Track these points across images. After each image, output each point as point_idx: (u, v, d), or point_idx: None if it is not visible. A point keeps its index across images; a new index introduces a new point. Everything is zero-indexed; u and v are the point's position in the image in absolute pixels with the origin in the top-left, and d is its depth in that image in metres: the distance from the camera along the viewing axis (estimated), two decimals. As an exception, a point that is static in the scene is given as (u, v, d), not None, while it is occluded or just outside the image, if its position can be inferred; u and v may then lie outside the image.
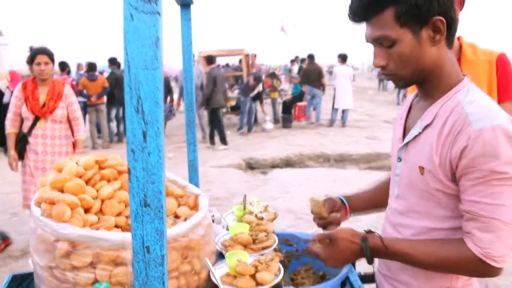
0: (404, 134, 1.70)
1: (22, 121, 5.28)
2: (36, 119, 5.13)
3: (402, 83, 1.59)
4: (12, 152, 5.24)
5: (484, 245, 1.41)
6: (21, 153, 5.25)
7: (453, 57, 1.59)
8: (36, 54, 5.06)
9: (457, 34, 2.54)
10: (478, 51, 2.58)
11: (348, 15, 1.56)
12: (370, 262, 1.61)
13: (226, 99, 13.93)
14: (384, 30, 1.47)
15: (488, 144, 1.37)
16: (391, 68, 1.54)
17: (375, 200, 2.08)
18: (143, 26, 0.85)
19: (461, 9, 2.49)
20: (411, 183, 1.63)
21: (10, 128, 5.26)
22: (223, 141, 12.65)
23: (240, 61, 19.97)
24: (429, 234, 1.60)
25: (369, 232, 1.64)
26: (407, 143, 1.64)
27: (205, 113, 13.70)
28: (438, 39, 1.48)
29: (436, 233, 1.59)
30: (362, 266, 2.06)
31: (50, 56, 5.14)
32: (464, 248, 1.45)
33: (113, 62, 14.09)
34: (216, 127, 12.77)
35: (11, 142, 5.26)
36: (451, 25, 1.49)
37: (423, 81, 1.58)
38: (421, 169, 1.55)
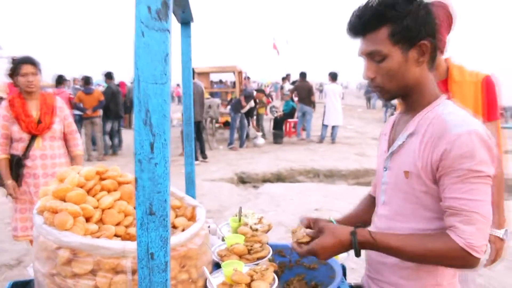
0: (389, 147, 1.84)
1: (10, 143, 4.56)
2: (33, 138, 4.45)
3: (387, 96, 1.74)
4: (10, 181, 4.47)
5: (467, 236, 1.52)
6: (18, 179, 4.50)
7: (433, 77, 1.75)
8: (21, 64, 4.39)
9: (446, 56, 2.65)
10: (465, 73, 2.68)
11: (347, 30, 1.73)
12: (358, 254, 1.66)
13: (205, 112, 14.02)
14: (377, 46, 1.64)
15: (464, 146, 1.52)
16: (378, 81, 1.69)
17: (361, 218, 2.16)
18: (153, 43, 0.89)
19: (449, 32, 2.59)
20: (396, 187, 1.76)
21: (2, 153, 4.46)
22: (202, 155, 12.70)
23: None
24: None
25: (357, 226, 1.70)
26: (392, 153, 1.79)
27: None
28: (422, 60, 1.66)
29: None
30: (351, 277, 2.12)
31: (37, 65, 4.47)
32: (449, 240, 1.55)
33: (109, 76, 14.20)
34: (199, 141, 12.76)
35: (5, 170, 4.47)
36: (434, 50, 1.67)
37: (406, 96, 1.74)
38: (406, 173, 1.69)
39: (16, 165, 4.47)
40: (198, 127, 12.63)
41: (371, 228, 1.92)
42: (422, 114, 1.70)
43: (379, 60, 1.65)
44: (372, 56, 1.67)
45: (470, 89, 2.63)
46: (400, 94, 1.73)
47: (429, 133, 1.63)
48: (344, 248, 1.67)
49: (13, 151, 4.49)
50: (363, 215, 2.14)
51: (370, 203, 2.14)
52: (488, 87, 2.64)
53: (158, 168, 0.93)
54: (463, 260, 1.54)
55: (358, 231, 1.65)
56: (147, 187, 0.94)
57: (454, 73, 2.65)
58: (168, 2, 0.89)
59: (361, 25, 1.66)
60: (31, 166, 4.47)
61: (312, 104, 16.60)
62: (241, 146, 15.24)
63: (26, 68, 4.37)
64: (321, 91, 20.79)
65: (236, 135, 15.38)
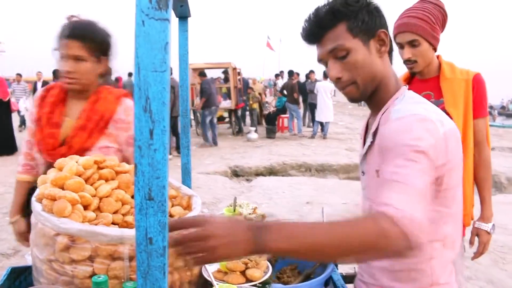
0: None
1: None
2: (50, 167, 2.08)
3: (358, 93, 1.66)
4: (16, 217, 2.67)
5: (389, 200, 1.31)
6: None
7: (394, 71, 1.73)
8: (62, 37, 2.40)
9: (437, 53, 2.70)
10: (456, 70, 2.73)
11: (304, 37, 1.68)
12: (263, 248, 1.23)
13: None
14: (339, 41, 1.59)
15: (402, 124, 1.48)
16: (346, 78, 1.63)
17: None
18: (153, 32, 0.90)
19: (442, 30, 2.65)
20: (374, 190, 1.63)
21: (22, 171, 2.69)
22: (177, 150, 12.57)
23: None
24: None
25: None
26: (365, 156, 1.75)
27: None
28: (383, 50, 1.64)
29: None
30: (342, 267, 2.17)
31: (89, 41, 2.39)
32: (367, 217, 1.38)
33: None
34: (176, 135, 12.79)
35: (17, 199, 2.67)
36: (391, 41, 1.67)
37: (372, 93, 1.68)
38: (377, 172, 1.62)
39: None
40: (175, 122, 12.61)
41: None
42: (383, 110, 1.67)
43: (343, 56, 1.60)
44: (335, 54, 1.62)
45: (461, 86, 2.68)
46: (369, 90, 1.66)
47: (383, 126, 1.61)
48: (242, 231, 1.23)
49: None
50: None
51: None
52: (478, 85, 2.70)
53: (157, 154, 0.95)
54: (394, 236, 1.24)
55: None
56: (146, 173, 0.95)
57: (445, 70, 2.70)
58: (168, -8, 0.91)
59: (317, 25, 1.62)
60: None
61: (296, 101, 16.79)
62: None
63: (67, 45, 2.38)
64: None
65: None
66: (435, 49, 2.64)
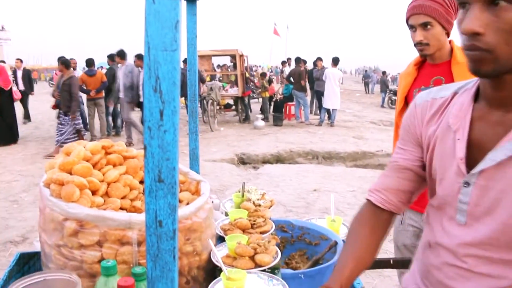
0: (471, 153, 1.30)
1: None
2: None
3: (490, 67, 1.14)
4: None
5: None
6: None
7: None
8: None
9: (449, 38, 2.65)
10: None
11: None
12: None
13: (207, 94, 14.05)
14: None
15: None
16: (488, 39, 1.11)
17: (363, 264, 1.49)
18: (164, 10, 0.88)
19: (456, 16, 2.59)
20: (490, 214, 1.26)
21: None
22: None
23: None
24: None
25: None
26: (487, 169, 1.25)
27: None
28: None
29: None
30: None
31: None
32: None
33: (112, 58, 14.19)
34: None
35: None
36: None
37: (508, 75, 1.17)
38: None
39: None
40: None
41: (433, 245, 1.48)
42: None
43: (500, 7, 1.08)
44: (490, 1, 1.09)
45: None
46: (507, 70, 1.14)
47: None
48: None
49: None
50: (367, 258, 1.50)
51: (373, 228, 1.54)
52: None
53: (167, 135, 0.93)
54: None
55: None
56: (156, 154, 0.94)
57: (457, 55, 2.64)
58: (179, -32, 0.89)
59: None
60: None
61: (303, 88, 16.74)
62: None
63: None
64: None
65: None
66: (448, 34, 2.58)
